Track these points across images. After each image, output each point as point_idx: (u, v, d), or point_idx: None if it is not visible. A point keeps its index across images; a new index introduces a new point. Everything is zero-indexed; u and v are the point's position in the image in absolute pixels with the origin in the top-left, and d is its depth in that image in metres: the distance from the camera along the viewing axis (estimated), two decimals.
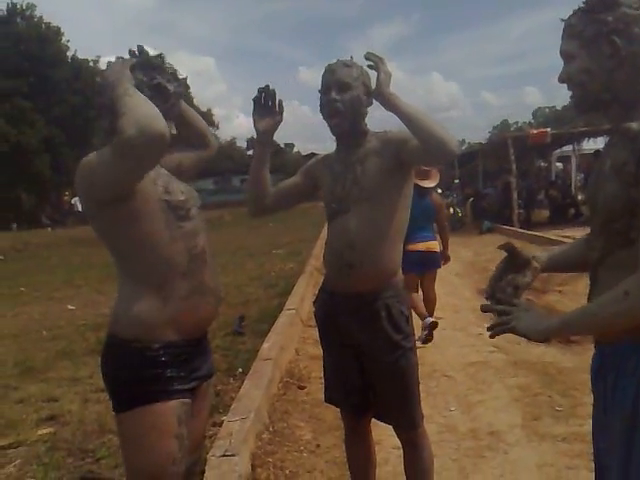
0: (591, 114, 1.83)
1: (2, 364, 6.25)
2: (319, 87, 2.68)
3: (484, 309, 1.94)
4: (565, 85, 1.78)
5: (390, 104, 2.47)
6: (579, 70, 1.70)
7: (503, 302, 1.91)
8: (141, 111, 1.86)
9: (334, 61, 2.68)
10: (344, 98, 2.60)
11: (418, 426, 2.75)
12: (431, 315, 6.48)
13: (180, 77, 2.27)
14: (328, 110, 2.64)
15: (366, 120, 2.72)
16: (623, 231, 1.60)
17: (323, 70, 2.69)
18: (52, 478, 3.51)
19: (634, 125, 1.56)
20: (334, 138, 2.77)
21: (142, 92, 2.04)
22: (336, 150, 2.80)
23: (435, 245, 6.60)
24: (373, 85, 2.57)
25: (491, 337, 1.90)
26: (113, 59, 2.16)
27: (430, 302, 6.71)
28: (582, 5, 1.71)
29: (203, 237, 2.21)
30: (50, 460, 3.78)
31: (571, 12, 1.74)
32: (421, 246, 6.36)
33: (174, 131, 2.22)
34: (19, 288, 12.25)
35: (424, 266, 6.51)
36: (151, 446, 2.04)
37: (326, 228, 2.76)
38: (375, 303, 2.63)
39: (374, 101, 2.62)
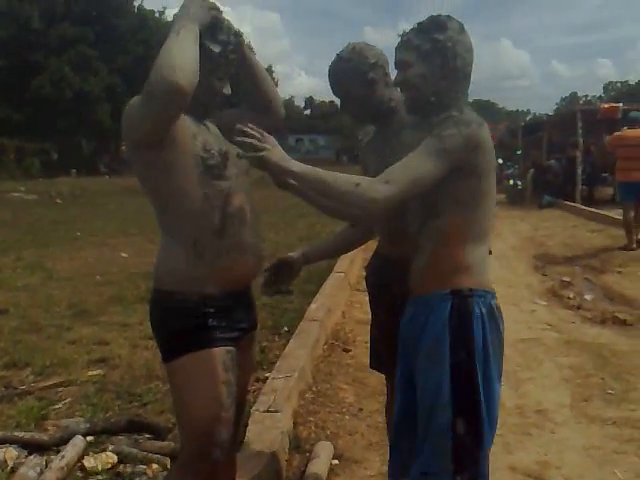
0: (417, 114, 2.24)
1: (57, 305, 6.43)
2: (385, 49, 2.62)
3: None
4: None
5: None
6: (416, 75, 2.08)
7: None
8: (170, 57, 1.84)
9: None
10: (350, 104, 2.62)
11: None
12: None
13: (233, 36, 2.15)
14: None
15: (391, 96, 2.61)
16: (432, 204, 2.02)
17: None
18: (100, 418, 3.58)
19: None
20: None
21: None
22: (375, 130, 2.78)
23: None
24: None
25: (239, 156, 2.07)
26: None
27: None
28: (417, 26, 2.11)
29: (241, 197, 2.18)
30: (99, 401, 3.87)
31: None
32: None
33: (228, 91, 2.19)
34: (75, 233, 12.52)
35: None
36: (200, 392, 2.06)
37: None
38: None
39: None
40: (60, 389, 4.11)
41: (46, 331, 5.45)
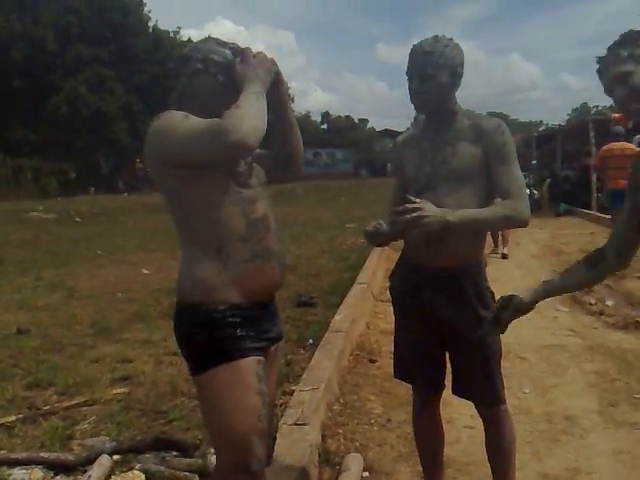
0: None
1: (79, 323, 6.44)
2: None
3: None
4: None
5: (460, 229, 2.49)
6: None
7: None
8: (252, 118, 1.96)
9: (419, 42, 2.59)
10: (426, 88, 2.55)
11: (502, 402, 2.71)
12: None
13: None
14: (413, 99, 2.63)
15: (457, 101, 2.66)
16: None
17: (410, 49, 2.62)
18: (125, 437, 3.56)
19: None
20: (411, 117, 2.74)
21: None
22: (424, 127, 2.76)
23: None
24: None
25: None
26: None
27: None
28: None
29: (264, 204, 2.21)
30: (124, 419, 3.84)
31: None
32: None
33: None
34: (96, 251, 12.57)
35: None
36: (235, 404, 2.04)
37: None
38: (462, 279, 2.61)
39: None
40: (84, 408, 4.09)
41: (68, 350, 5.45)
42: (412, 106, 2.67)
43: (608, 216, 13.74)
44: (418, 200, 2.40)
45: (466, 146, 2.56)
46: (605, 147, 11.59)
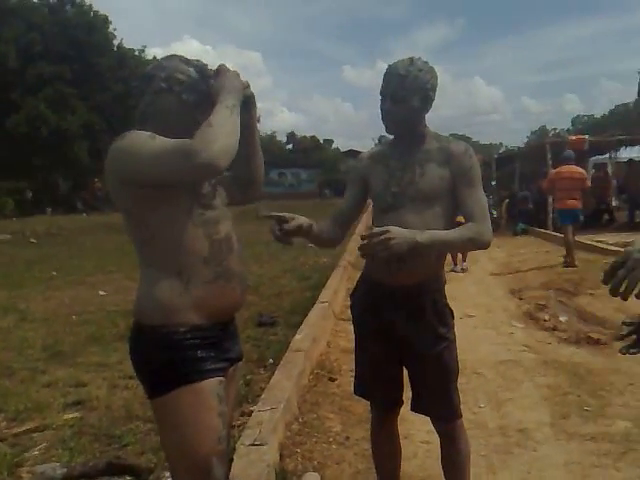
0: None
1: (31, 347, 6.27)
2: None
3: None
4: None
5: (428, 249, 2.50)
6: None
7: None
8: (225, 137, 1.91)
9: (394, 63, 2.60)
10: (397, 110, 2.57)
11: (458, 417, 2.73)
12: None
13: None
14: (383, 118, 2.65)
15: (426, 124, 2.69)
16: None
17: (385, 70, 2.63)
18: (77, 462, 3.48)
19: None
20: (375, 138, 2.75)
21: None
22: (391, 145, 2.77)
23: None
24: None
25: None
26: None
27: None
28: None
29: (227, 225, 2.19)
30: (76, 444, 3.77)
31: None
32: None
33: None
34: (51, 272, 12.29)
35: None
36: (196, 426, 2.01)
37: (362, 224, 2.71)
38: (422, 296, 2.63)
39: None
40: (35, 434, 3.99)
41: (19, 375, 5.31)
42: (377, 127, 2.71)
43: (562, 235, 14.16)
44: (382, 228, 2.39)
45: (434, 168, 2.59)
46: (554, 170, 12.15)
